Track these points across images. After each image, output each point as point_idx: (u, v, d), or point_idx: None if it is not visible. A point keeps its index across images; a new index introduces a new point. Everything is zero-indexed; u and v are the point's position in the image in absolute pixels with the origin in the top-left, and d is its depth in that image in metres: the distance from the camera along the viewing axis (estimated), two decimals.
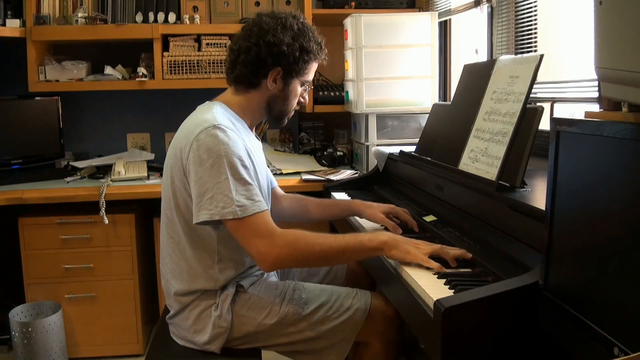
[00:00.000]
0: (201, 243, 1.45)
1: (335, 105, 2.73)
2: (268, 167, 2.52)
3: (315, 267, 1.72)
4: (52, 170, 2.69)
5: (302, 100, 1.61)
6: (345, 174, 2.42)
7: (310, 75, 1.58)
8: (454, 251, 1.32)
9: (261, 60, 1.47)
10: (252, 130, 1.61)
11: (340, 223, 1.97)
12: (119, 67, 2.65)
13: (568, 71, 1.89)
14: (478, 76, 1.67)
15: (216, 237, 1.44)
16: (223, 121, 1.39)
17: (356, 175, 2.39)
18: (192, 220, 1.37)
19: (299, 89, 1.57)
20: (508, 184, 1.34)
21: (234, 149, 1.36)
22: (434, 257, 1.31)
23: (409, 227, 1.65)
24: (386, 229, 1.64)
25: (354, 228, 1.78)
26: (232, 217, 1.32)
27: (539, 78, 1.48)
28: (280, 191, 1.87)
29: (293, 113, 1.63)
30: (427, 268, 1.28)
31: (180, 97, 2.76)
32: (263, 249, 1.32)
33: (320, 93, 2.75)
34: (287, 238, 1.34)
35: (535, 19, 1.96)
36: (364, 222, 1.76)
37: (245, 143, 1.46)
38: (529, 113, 1.38)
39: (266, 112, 1.57)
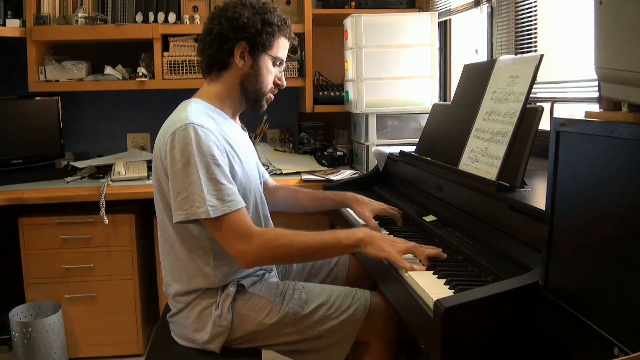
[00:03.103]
0: (193, 242, 1.45)
1: (335, 105, 2.73)
2: (267, 166, 2.54)
3: (294, 263, 1.73)
4: (52, 170, 2.68)
5: (278, 82, 1.60)
6: (345, 174, 2.42)
7: (280, 52, 1.57)
8: (428, 250, 1.34)
9: (224, 36, 1.48)
10: (235, 119, 1.61)
11: (337, 219, 1.99)
12: (119, 67, 2.65)
13: (568, 71, 1.89)
14: (478, 76, 1.67)
15: (208, 235, 1.44)
16: (197, 118, 1.39)
17: (356, 175, 2.39)
18: None
19: (272, 67, 1.56)
20: (508, 184, 1.34)
21: (205, 147, 1.35)
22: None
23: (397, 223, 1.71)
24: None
25: (350, 224, 1.81)
26: (205, 217, 1.33)
27: (539, 78, 1.48)
28: (272, 182, 1.88)
29: (272, 97, 1.61)
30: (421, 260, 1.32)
31: (180, 97, 2.75)
32: (240, 247, 1.34)
33: (320, 93, 2.75)
34: (265, 237, 1.36)
35: (535, 19, 1.96)
36: (360, 219, 1.78)
37: (226, 134, 1.45)
38: (529, 113, 1.38)
39: (242, 94, 1.56)
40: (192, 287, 1.46)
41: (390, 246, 1.35)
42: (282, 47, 1.57)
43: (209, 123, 1.41)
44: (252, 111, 1.63)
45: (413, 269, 1.28)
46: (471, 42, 2.51)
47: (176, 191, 1.36)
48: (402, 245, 1.35)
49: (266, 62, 1.54)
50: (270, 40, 1.52)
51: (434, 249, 1.36)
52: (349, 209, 1.85)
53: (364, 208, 1.74)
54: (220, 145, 1.40)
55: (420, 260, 1.33)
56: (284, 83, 1.63)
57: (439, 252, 1.34)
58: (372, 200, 1.79)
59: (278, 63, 1.58)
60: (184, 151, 1.34)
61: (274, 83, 1.59)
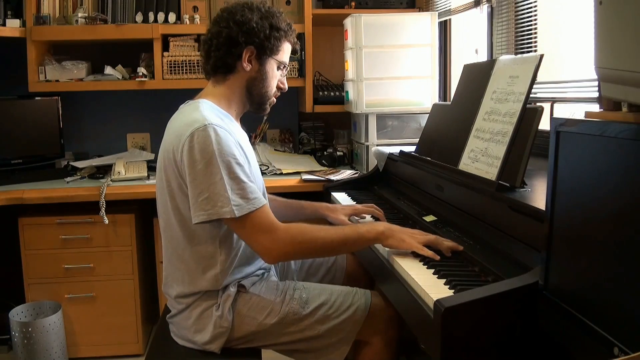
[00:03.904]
0: (201, 244, 1.45)
1: (335, 105, 2.73)
2: (267, 166, 2.54)
3: (317, 257, 1.76)
4: (52, 170, 2.69)
5: (281, 86, 1.61)
6: (345, 174, 2.42)
7: (284, 56, 1.58)
8: (447, 242, 1.37)
9: (233, 40, 1.49)
10: (237, 121, 1.61)
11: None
12: (119, 67, 2.65)
13: (568, 71, 1.89)
14: (478, 76, 1.67)
15: (217, 237, 1.44)
16: (213, 119, 1.39)
17: (356, 175, 2.39)
18: (191, 221, 1.38)
19: (276, 71, 1.57)
20: (508, 184, 1.34)
21: (226, 147, 1.36)
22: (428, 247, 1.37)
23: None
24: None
25: None
26: (230, 217, 1.33)
27: (539, 78, 1.48)
28: None
29: (275, 100, 1.62)
30: (421, 260, 1.33)
31: (180, 97, 2.75)
32: (267, 244, 1.35)
33: (320, 93, 2.75)
34: (290, 233, 1.37)
35: (535, 19, 1.96)
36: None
37: (236, 137, 1.46)
38: (529, 113, 1.38)
39: (247, 98, 1.56)
40: (194, 289, 1.46)
41: (410, 237, 1.38)
42: (286, 51, 1.59)
43: (222, 125, 1.41)
44: (255, 114, 1.63)
45: (437, 256, 1.32)
46: (471, 42, 2.51)
47: (197, 192, 1.35)
48: (422, 238, 1.38)
49: (272, 67, 1.55)
50: (277, 45, 1.53)
51: (452, 242, 1.37)
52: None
53: (337, 214, 1.77)
54: (237, 146, 1.41)
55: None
56: (286, 87, 1.64)
57: (455, 245, 1.36)
58: (344, 205, 1.82)
59: (282, 67, 1.59)
60: (204, 152, 1.34)
61: (277, 87, 1.60)
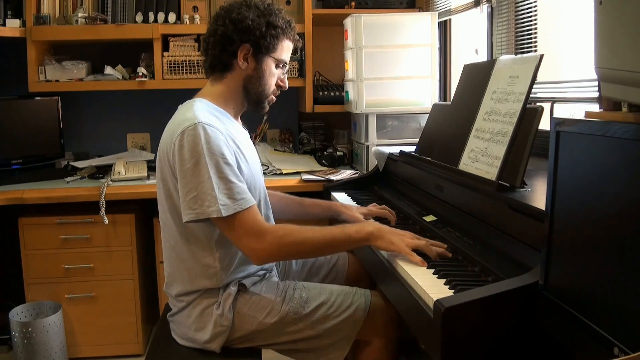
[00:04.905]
0: (198, 242, 1.45)
1: (335, 105, 2.73)
2: (267, 166, 2.54)
3: (305, 258, 1.75)
4: (52, 170, 2.69)
5: (281, 84, 1.60)
6: (345, 174, 2.42)
7: (283, 54, 1.57)
8: (436, 248, 1.35)
9: (228, 38, 1.48)
10: (237, 119, 1.61)
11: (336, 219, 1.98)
12: (119, 67, 2.65)
13: (568, 71, 1.89)
14: (478, 76, 1.67)
15: (213, 235, 1.44)
16: (204, 118, 1.39)
17: (356, 175, 2.39)
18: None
19: (275, 69, 1.56)
20: (508, 184, 1.34)
21: (215, 147, 1.36)
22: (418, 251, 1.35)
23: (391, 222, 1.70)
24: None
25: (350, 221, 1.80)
26: (217, 216, 1.33)
27: (539, 78, 1.48)
28: None
29: (274, 99, 1.61)
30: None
31: (180, 97, 2.75)
32: (253, 245, 1.35)
33: (320, 93, 2.75)
34: (278, 234, 1.36)
35: (535, 19, 1.96)
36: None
37: (232, 134, 1.46)
38: (529, 113, 1.38)
39: (244, 96, 1.56)
40: (194, 287, 1.46)
41: (399, 240, 1.37)
42: (286, 49, 1.57)
43: (216, 123, 1.42)
44: (254, 112, 1.63)
45: (425, 263, 1.29)
46: (471, 42, 2.51)
47: (185, 191, 1.35)
48: (412, 242, 1.36)
49: (269, 65, 1.54)
50: (274, 43, 1.52)
51: (441, 248, 1.36)
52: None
53: (353, 212, 1.77)
54: (228, 145, 1.41)
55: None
56: (287, 85, 1.63)
57: (445, 251, 1.35)
58: (359, 206, 1.82)
59: (281, 65, 1.58)
60: (193, 150, 1.34)
61: (276, 85, 1.59)
